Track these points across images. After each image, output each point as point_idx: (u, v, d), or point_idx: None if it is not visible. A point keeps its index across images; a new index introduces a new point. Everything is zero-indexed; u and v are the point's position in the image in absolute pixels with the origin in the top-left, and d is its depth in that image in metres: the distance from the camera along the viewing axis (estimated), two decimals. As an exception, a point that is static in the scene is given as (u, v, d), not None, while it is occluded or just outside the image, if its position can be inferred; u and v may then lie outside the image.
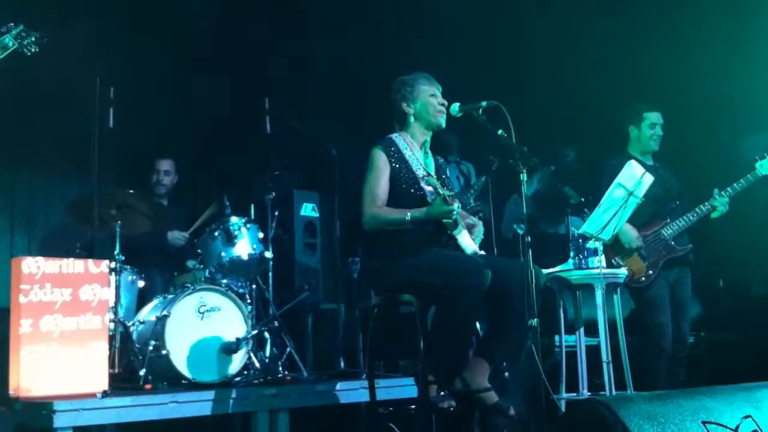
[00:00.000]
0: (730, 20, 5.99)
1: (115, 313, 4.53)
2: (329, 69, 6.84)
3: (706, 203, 4.82)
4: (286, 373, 4.82)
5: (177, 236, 5.53)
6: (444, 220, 3.66)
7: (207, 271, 4.98)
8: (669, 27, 6.24)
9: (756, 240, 5.93)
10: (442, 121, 3.89)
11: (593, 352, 4.36)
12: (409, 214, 3.62)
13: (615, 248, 4.66)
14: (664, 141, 5.06)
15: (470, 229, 3.81)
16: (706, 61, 6.12)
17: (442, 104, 3.88)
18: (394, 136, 3.92)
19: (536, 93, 6.52)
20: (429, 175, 3.80)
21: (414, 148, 3.89)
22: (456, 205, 3.57)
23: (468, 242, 3.72)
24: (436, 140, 4.08)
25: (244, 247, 5.04)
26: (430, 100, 3.87)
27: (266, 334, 5.05)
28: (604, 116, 5.79)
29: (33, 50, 3.93)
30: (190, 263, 5.04)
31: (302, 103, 6.35)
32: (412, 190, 3.76)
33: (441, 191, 3.60)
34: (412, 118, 3.91)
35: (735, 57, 6.05)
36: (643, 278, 4.78)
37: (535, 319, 3.40)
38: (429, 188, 3.70)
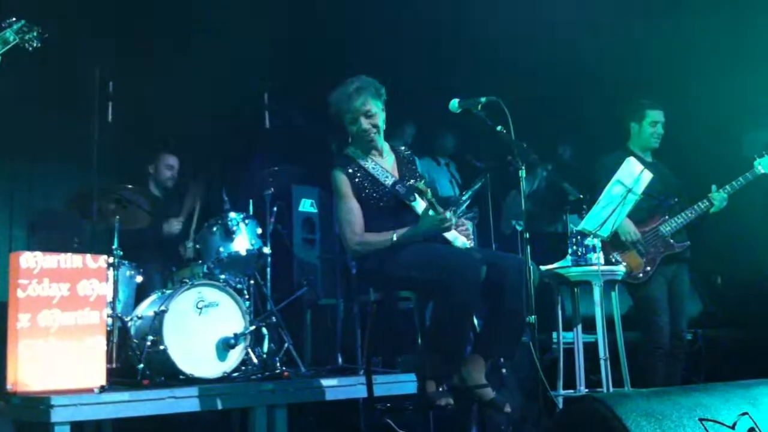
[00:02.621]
0: (733, 14, 5.97)
1: (113, 309, 4.52)
2: (329, 63, 6.82)
3: (704, 200, 4.82)
4: (284, 368, 4.81)
5: (173, 224, 5.54)
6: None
7: (205, 266, 4.98)
8: (670, 21, 6.22)
9: (755, 237, 5.93)
10: (377, 140, 3.75)
11: (591, 349, 4.36)
12: (394, 235, 3.56)
13: (612, 242, 4.65)
14: (667, 137, 5.05)
15: (458, 227, 3.77)
16: (709, 56, 6.11)
17: (367, 128, 3.68)
18: (351, 150, 3.82)
19: (533, 90, 6.50)
20: (404, 183, 3.73)
21: (373, 156, 3.81)
22: (448, 213, 3.51)
23: (455, 235, 3.69)
24: (432, 141, 4.03)
25: (242, 242, 5.05)
26: (351, 128, 3.71)
27: (264, 330, 5.05)
28: (602, 113, 5.78)
29: (35, 45, 3.93)
30: (189, 244, 5.04)
31: (302, 98, 6.33)
32: (382, 204, 3.71)
33: (431, 202, 3.49)
34: (351, 137, 3.82)
35: (738, 52, 6.04)
36: (641, 274, 4.78)
37: (533, 316, 3.40)
38: (403, 190, 3.65)
